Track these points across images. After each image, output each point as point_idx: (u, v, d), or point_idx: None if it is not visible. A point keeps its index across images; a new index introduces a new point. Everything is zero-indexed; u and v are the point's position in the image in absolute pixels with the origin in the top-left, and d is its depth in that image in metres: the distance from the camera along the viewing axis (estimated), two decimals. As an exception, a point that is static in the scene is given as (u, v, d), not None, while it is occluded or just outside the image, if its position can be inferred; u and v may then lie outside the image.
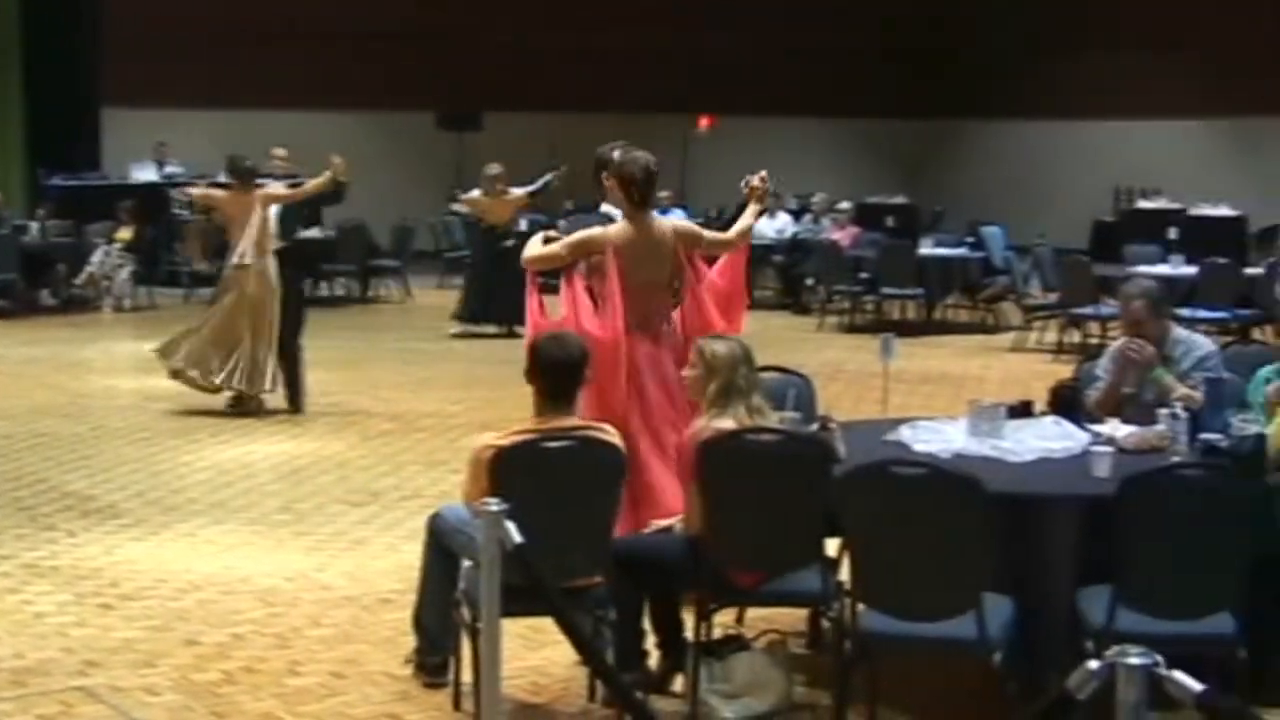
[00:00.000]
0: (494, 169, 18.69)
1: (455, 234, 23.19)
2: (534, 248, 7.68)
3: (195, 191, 13.72)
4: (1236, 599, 5.79)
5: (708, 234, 8.04)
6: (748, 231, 8.03)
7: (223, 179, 13.75)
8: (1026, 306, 18.25)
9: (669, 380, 7.41)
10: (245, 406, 13.10)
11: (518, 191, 18.52)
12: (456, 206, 19.20)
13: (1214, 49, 26.01)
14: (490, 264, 18.44)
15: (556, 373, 6.24)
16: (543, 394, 6.27)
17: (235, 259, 13.02)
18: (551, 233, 7.81)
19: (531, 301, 7.71)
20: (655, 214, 7.85)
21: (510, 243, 18.39)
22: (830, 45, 29.21)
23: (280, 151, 13.24)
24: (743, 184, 8.11)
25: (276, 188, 13.82)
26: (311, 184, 13.88)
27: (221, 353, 12.96)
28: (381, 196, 20.72)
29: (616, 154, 7.86)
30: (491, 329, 18.45)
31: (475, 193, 18.60)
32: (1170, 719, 4.93)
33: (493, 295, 18.35)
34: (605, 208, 8.06)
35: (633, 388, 7.44)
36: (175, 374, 13.15)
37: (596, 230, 7.67)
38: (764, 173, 8.09)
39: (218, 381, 13.03)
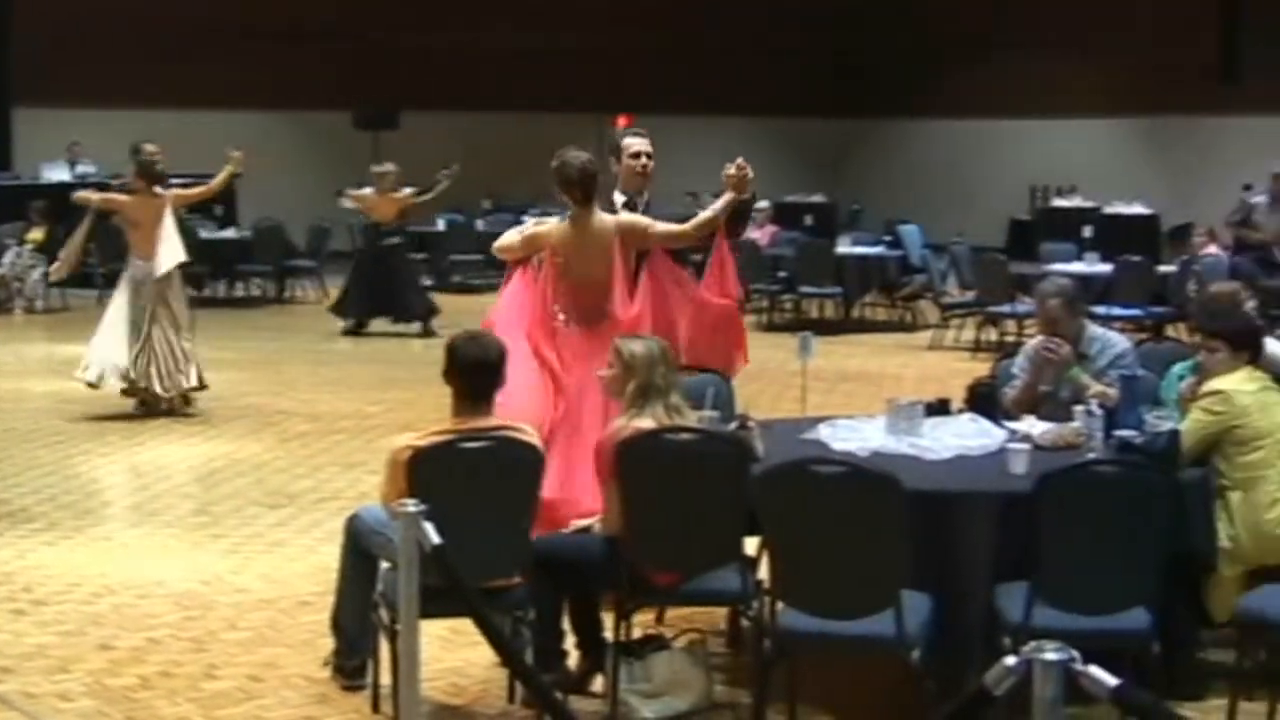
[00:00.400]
0: (385, 167, 18.76)
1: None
2: (505, 237, 7.99)
3: (96, 197, 13.53)
4: (1151, 594, 5.85)
5: (659, 227, 7.90)
6: (707, 223, 7.88)
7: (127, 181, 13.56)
8: (944, 305, 18.35)
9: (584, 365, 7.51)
10: (156, 407, 13.00)
11: (405, 191, 18.49)
12: (344, 202, 19.18)
13: (1127, 49, 26.22)
14: (373, 261, 18.59)
15: (474, 373, 6.22)
16: (460, 394, 6.26)
17: (156, 269, 12.79)
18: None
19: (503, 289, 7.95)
20: (598, 211, 7.87)
21: (394, 240, 18.52)
22: (748, 44, 29.27)
23: (150, 147, 13.10)
24: (723, 173, 8.00)
25: (184, 189, 13.63)
26: (216, 180, 13.82)
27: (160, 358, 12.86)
28: (298, 197, 20.63)
29: (569, 155, 7.88)
30: (388, 326, 18.61)
31: (367, 190, 18.56)
32: (1086, 714, 4.99)
33: (374, 292, 18.49)
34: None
35: (558, 383, 7.53)
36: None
37: (543, 227, 7.88)
38: (741, 159, 7.98)
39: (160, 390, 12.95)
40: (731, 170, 7.98)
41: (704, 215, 7.96)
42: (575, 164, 7.79)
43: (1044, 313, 7.74)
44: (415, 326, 18.49)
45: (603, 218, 7.84)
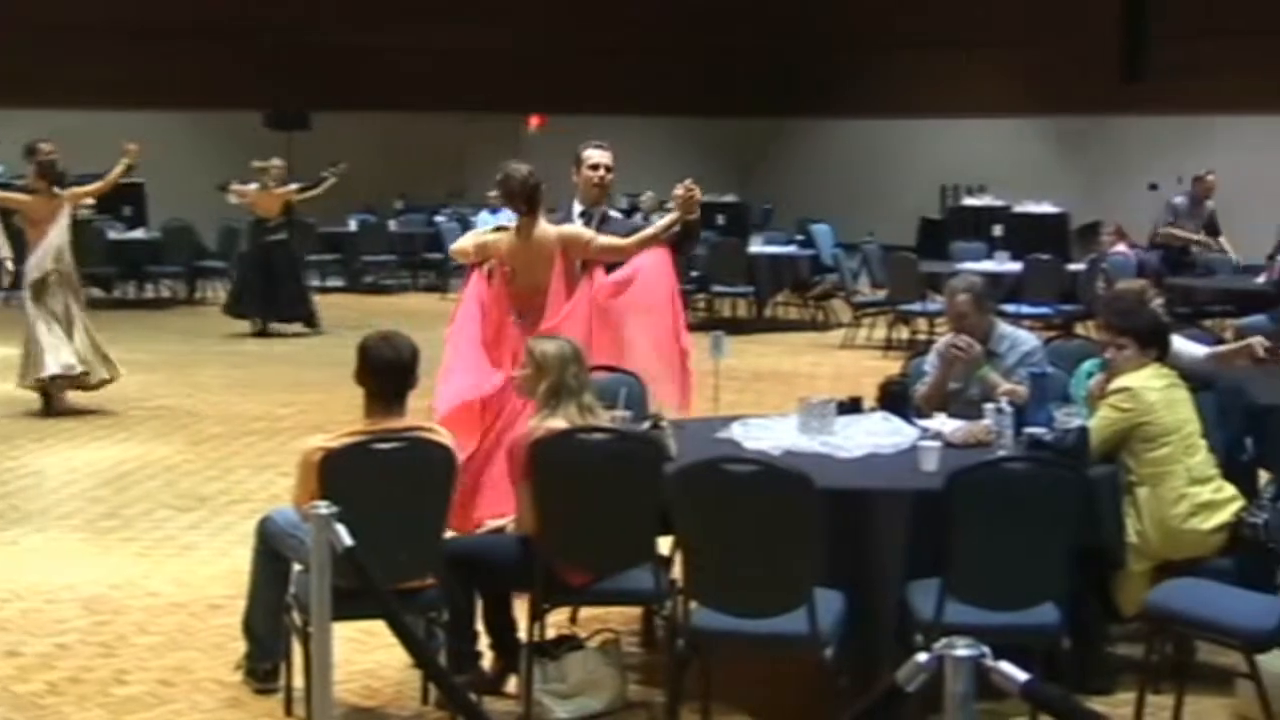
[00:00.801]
0: (273, 163, 18.70)
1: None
2: (460, 241, 8.33)
3: None
4: (1060, 590, 5.89)
5: (600, 240, 8.04)
6: (647, 240, 8.02)
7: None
8: (855, 304, 18.44)
9: None
10: (61, 406, 12.97)
11: (289, 186, 18.42)
12: (230, 197, 19.04)
13: (1035, 49, 26.44)
14: (254, 257, 18.56)
15: (387, 373, 6.20)
16: (373, 395, 6.23)
17: (52, 263, 12.75)
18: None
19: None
20: (543, 221, 8.01)
21: (279, 237, 18.41)
22: (660, 44, 29.31)
23: (46, 146, 13.06)
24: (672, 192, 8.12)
25: (80, 187, 13.53)
26: (112, 174, 13.77)
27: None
28: (207, 197, 20.42)
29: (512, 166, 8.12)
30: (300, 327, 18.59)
31: (251, 186, 18.45)
32: (997, 709, 5.03)
33: (253, 289, 18.47)
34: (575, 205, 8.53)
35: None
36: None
37: (493, 236, 8.11)
38: (690, 180, 8.10)
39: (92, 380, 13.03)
40: (679, 191, 8.07)
41: (645, 232, 8.09)
42: (517, 176, 7.99)
43: (953, 309, 7.79)
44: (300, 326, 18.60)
45: (545, 228, 7.97)
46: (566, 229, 8.10)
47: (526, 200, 7.94)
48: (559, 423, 6.36)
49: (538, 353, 6.55)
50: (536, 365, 6.52)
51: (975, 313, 7.72)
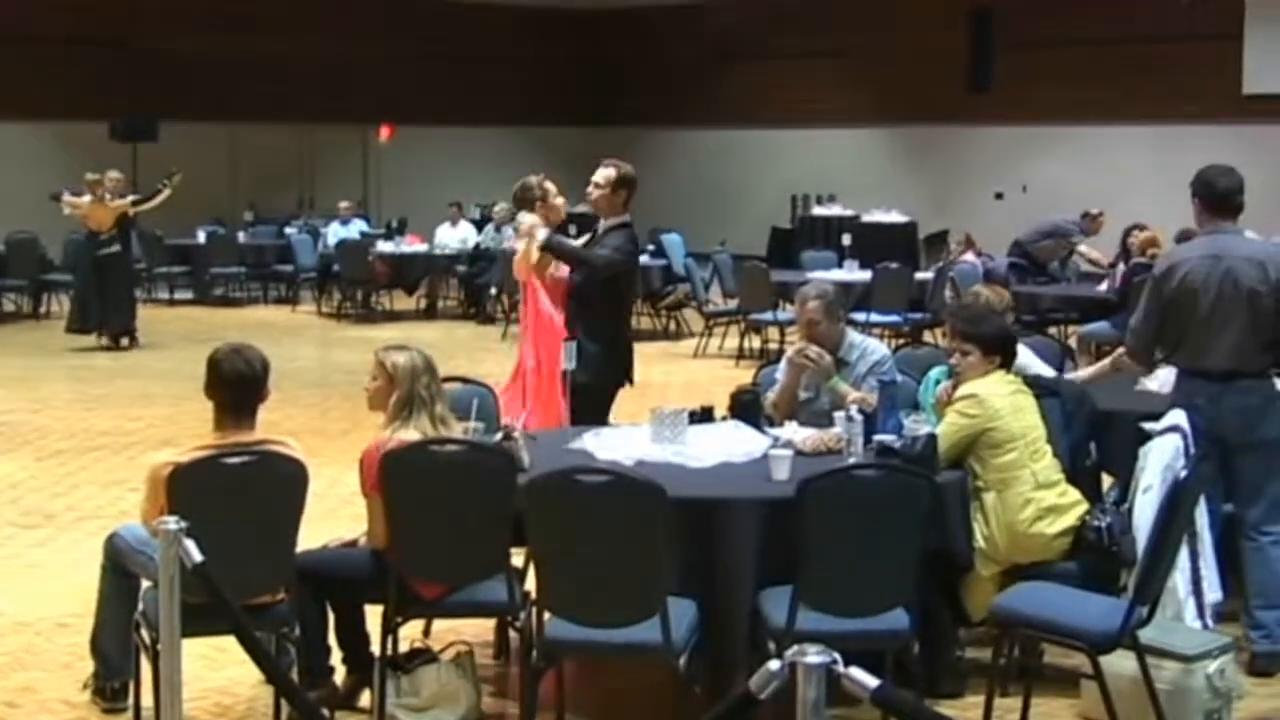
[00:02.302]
0: (109, 175, 18.34)
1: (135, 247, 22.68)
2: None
3: None
4: (910, 595, 5.95)
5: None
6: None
7: None
8: (707, 313, 18.51)
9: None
10: None
11: (123, 199, 18.16)
12: (64, 209, 18.70)
13: (882, 59, 26.71)
14: (88, 271, 18.20)
15: (237, 386, 6.14)
16: (223, 408, 6.17)
17: None
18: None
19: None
20: None
21: (111, 250, 18.02)
22: (509, 53, 29.28)
23: None
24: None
25: None
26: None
27: None
28: (53, 209, 20.11)
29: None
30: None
31: (85, 197, 18.17)
32: (849, 715, 5.07)
33: (92, 304, 18.13)
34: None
35: None
36: None
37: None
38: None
39: None
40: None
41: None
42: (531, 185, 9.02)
43: (804, 316, 7.85)
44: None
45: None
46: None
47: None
48: (411, 434, 6.34)
49: (389, 364, 6.51)
50: (388, 377, 6.49)
51: (826, 320, 7.79)
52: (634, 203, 9.03)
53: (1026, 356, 7.85)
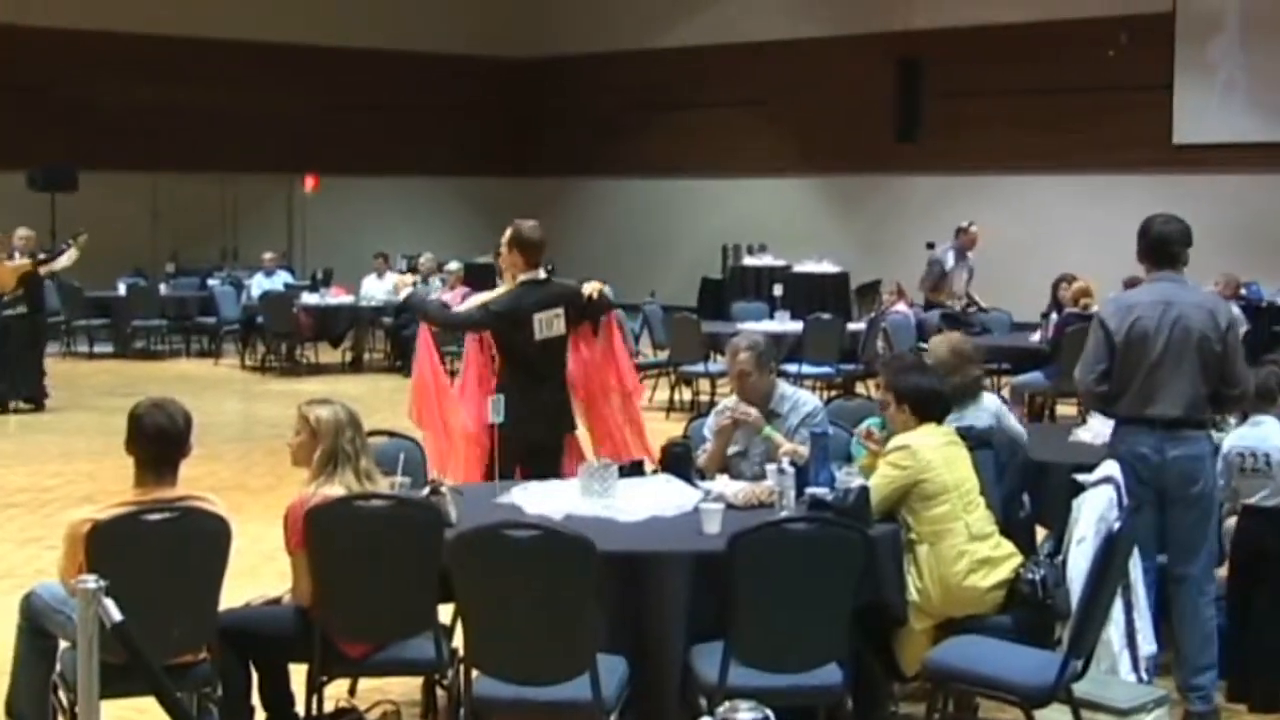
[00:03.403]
0: (18, 233, 17.63)
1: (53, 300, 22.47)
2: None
3: None
4: (843, 650, 5.96)
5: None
6: None
7: None
8: (637, 365, 18.46)
9: None
10: None
11: (22, 260, 17.35)
12: None
13: (811, 109, 26.84)
14: None
15: (158, 441, 6.10)
16: (144, 463, 6.12)
17: None
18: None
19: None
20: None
21: (15, 311, 17.23)
22: (433, 102, 29.25)
23: None
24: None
25: None
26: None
27: None
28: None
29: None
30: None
31: None
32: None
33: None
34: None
35: None
36: None
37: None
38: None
39: None
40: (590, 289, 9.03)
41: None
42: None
43: (735, 367, 7.87)
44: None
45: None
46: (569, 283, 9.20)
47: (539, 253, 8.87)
48: (336, 490, 6.30)
49: (312, 418, 6.48)
50: (311, 431, 6.46)
51: (757, 371, 7.82)
52: (554, 255, 9.09)
53: (998, 407, 7.90)
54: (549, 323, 8.72)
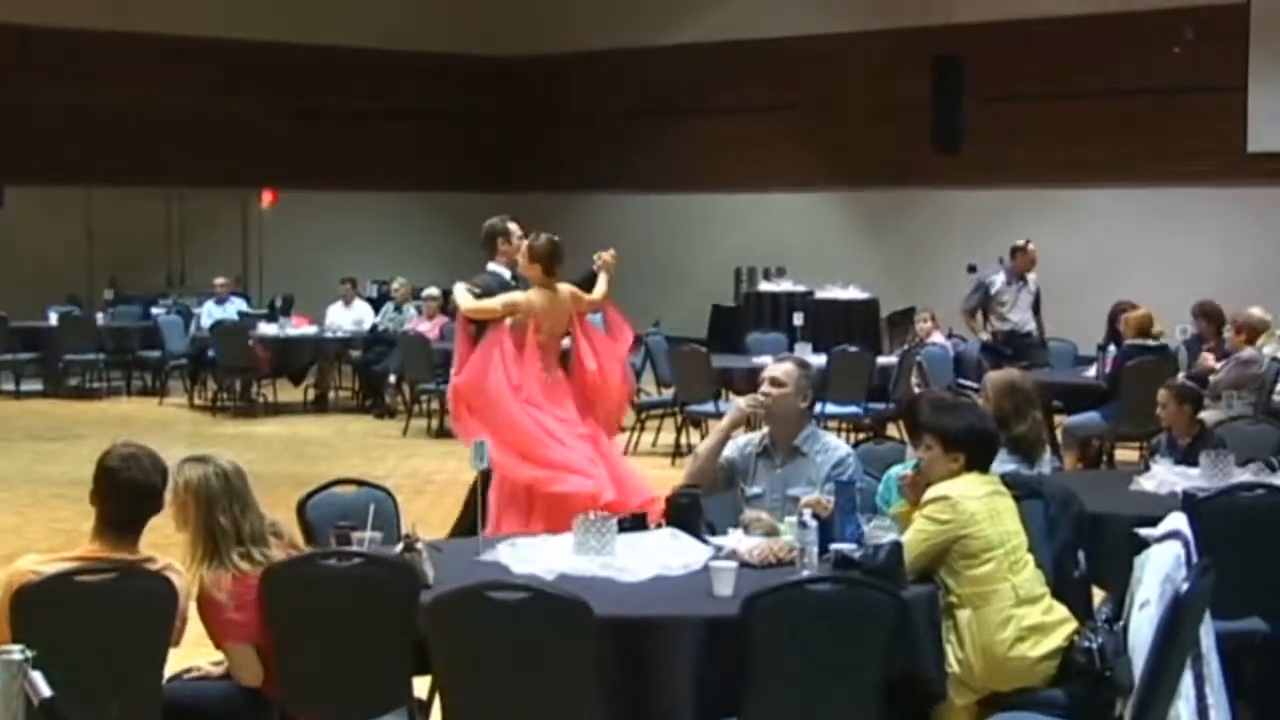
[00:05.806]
0: None
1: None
2: (467, 299, 10.55)
3: None
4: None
5: (584, 296, 11.00)
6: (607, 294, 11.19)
7: None
8: (639, 405, 18.48)
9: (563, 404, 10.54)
10: None
11: None
12: None
13: (838, 116, 26.83)
14: None
15: (131, 501, 6.08)
16: (107, 522, 6.10)
17: None
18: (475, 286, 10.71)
19: (463, 343, 10.53)
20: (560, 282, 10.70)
21: None
22: (410, 108, 29.31)
23: None
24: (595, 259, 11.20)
25: None
26: None
27: None
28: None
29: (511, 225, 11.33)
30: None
31: None
32: None
33: None
34: (492, 266, 11.19)
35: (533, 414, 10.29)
36: None
37: (520, 296, 10.61)
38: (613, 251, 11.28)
39: None
40: (606, 258, 11.29)
41: (602, 288, 11.15)
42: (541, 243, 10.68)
43: (768, 373, 7.84)
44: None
45: (561, 287, 10.74)
46: (573, 288, 10.87)
47: (555, 262, 10.60)
48: (224, 577, 6.20)
49: (180, 481, 6.33)
50: (179, 500, 6.32)
51: (793, 387, 7.76)
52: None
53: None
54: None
